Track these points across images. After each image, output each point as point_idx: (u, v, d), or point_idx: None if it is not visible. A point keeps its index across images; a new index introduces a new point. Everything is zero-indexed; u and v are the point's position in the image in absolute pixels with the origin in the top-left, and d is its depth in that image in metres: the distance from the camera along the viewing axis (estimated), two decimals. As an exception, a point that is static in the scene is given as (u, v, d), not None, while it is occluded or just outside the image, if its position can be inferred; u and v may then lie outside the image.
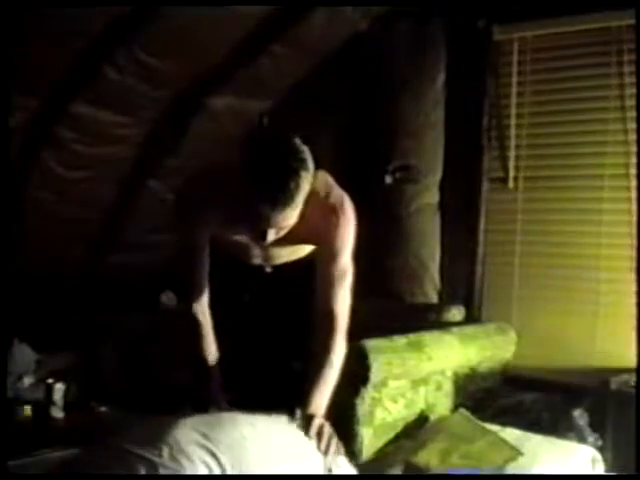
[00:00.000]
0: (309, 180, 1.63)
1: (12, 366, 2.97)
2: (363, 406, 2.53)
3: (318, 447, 1.67)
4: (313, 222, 1.78)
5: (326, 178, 1.88)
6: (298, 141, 1.65)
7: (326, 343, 1.82)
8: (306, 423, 1.69)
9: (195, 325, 1.93)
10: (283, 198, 1.58)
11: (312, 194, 1.71)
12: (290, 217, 1.65)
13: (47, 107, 2.93)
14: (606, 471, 2.69)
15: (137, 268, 3.76)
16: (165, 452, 1.48)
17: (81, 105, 2.98)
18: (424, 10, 3.40)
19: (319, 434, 1.68)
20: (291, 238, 1.81)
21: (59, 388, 2.84)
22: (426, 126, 3.45)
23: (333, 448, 1.68)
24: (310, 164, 1.62)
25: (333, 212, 1.83)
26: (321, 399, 1.78)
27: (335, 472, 1.67)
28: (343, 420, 2.46)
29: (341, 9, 3.17)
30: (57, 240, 3.39)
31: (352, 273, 1.87)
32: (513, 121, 3.30)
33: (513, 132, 3.30)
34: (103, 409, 2.95)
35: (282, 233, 1.71)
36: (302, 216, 1.70)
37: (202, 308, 1.94)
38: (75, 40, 2.74)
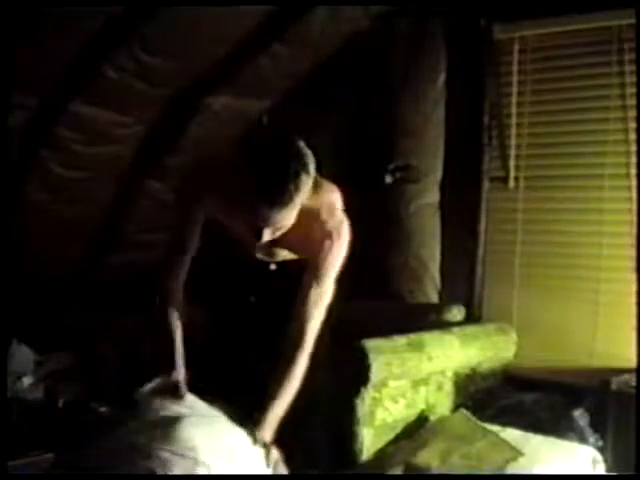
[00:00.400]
0: (309, 183, 1.64)
1: (12, 366, 2.97)
2: (363, 406, 2.52)
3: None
4: (308, 237, 1.84)
5: (332, 199, 1.91)
6: (301, 144, 1.66)
7: (291, 358, 1.85)
8: (265, 453, 1.74)
9: (166, 296, 1.98)
10: (282, 199, 1.59)
11: (314, 211, 1.79)
12: (287, 218, 1.66)
13: (47, 106, 2.93)
14: (606, 471, 2.69)
15: (137, 268, 3.76)
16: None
17: (81, 105, 2.98)
18: (424, 10, 3.40)
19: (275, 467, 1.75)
20: (285, 243, 1.87)
21: (59, 388, 2.84)
22: (426, 126, 3.45)
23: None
24: (311, 167, 1.64)
25: (329, 236, 1.86)
26: (275, 419, 1.81)
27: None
28: (343, 420, 2.46)
29: (341, 9, 3.17)
30: (57, 240, 3.39)
31: (332, 294, 1.92)
32: (513, 121, 3.30)
33: (513, 132, 3.30)
34: (103, 409, 2.94)
35: (278, 234, 1.72)
36: (299, 226, 1.72)
37: (177, 285, 2.00)
38: (75, 39, 2.73)
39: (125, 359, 3.44)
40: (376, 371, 2.50)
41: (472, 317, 3.32)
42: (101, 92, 2.98)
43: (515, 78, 3.27)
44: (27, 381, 3.00)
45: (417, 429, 2.68)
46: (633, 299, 2.93)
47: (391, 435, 2.64)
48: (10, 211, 2.89)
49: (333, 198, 1.92)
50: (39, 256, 3.29)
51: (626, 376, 2.84)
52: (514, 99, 3.28)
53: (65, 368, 3.16)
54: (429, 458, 2.43)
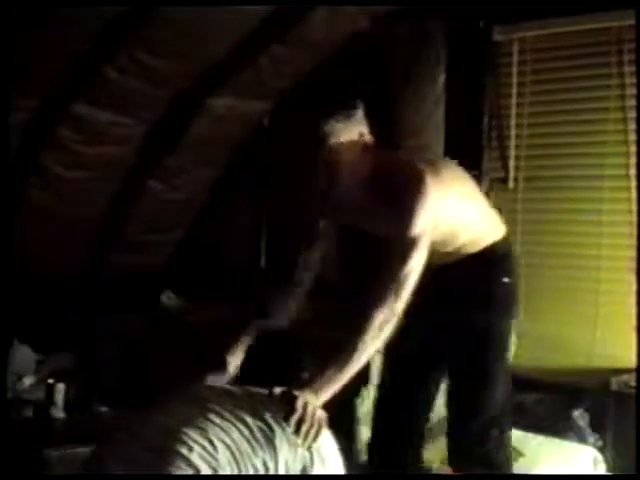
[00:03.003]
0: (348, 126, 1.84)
1: (12, 367, 2.97)
2: (363, 406, 2.53)
3: (295, 432, 1.59)
4: (380, 191, 1.89)
5: (404, 169, 1.90)
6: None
7: (361, 322, 1.75)
8: (287, 401, 1.61)
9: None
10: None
11: (383, 177, 1.87)
12: (332, 135, 1.81)
13: (47, 107, 2.93)
14: (606, 471, 2.69)
15: (137, 268, 3.76)
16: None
17: (81, 105, 2.98)
18: (424, 11, 3.40)
19: (299, 419, 1.59)
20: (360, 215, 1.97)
21: (59, 388, 2.84)
22: (426, 126, 3.45)
23: (312, 435, 1.60)
24: (350, 116, 1.86)
25: (397, 202, 1.85)
26: (323, 381, 1.68)
27: (315, 457, 1.64)
28: (343, 420, 2.46)
29: (341, 9, 3.17)
30: (57, 240, 3.39)
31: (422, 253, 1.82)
32: (513, 121, 3.29)
33: (513, 132, 3.30)
34: (103, 409, 2.94)
35: (334, 178, 1.85)
36: (368, 194, 1.88)
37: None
38: (75, 40, 2.74)
39: (125, 359, 3.45)
40: (376, 371, 2.50)
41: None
42: (102, 93, 2.99)
43: (515, 79, 3.27)
44: (28, 381, 3.01)
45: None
46: (633, 299, 2.93)
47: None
48: (10, 211, 2.89)
49: (406, 170, 1.91)
50: (39, 256, 3.29)
51: (626, 376, 2.84)
52: (514, 100, 3.28)
53: (65, 368, 3.16)
54: (429, 458, 2.43)
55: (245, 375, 2.05)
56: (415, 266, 1.80)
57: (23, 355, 3.09)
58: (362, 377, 2.53)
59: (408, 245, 1.81)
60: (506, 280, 2.12)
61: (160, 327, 3.46)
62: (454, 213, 1.95)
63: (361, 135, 1.89)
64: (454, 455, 2.12)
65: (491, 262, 2.10)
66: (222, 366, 1.96)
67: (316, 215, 2.16)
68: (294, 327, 2.18)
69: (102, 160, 3.28)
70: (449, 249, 2.03)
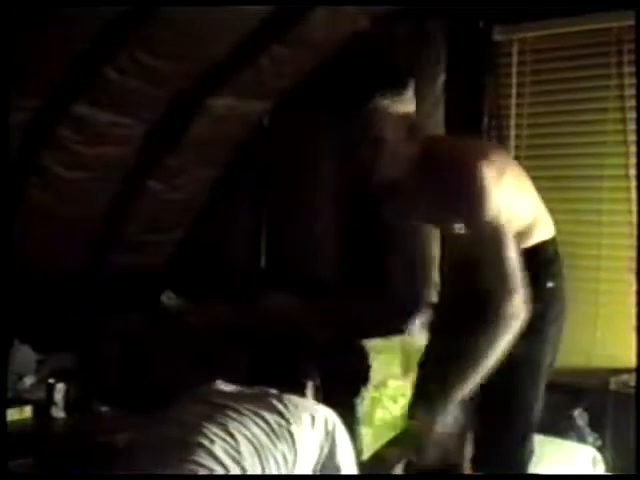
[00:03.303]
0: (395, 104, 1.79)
1: (13, 366, 2.97)
2: (363, 406, 2.53)
3: None
4: (437, 198, 1.83)
5: (458, 155, 1.84)
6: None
7: (474, 338, 1.71)
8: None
9: None
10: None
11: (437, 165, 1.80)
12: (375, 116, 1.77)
13: (47, 107, 2.93)
14: (606, 471, 2.70)
15: (137, 268, 3.77)
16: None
17: (81, 105, 2.99)
18: (424, 11, 3.40)
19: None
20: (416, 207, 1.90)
21: (60, 388, 2.84)
22: (426, 126, 3.45)
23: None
24: (400, 95, 1.81)
25: (457, 192, 1.79)
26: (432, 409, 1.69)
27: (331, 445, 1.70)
28: (343, 420, 2.46)
29: (341, 9, 3.17)
30: (57, 240, 3.39)
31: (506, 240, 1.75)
32: (513, 121, 3.30)
33: (513, 132, 3.30)
34: (104, 409, 2.95)
35: (379, 156, 1.78)
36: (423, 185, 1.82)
37: None
38: (75, 40, 2.74)
39: (125, 359, 3.45)
40: (376, 371, 2.51)
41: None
42: (102, 93, 2.99)
43: (514, 80, 3.27)
44: (28, 381, 3.01)
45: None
46: (632, 299, 2.93)
47: (391, 435, 2.64)
48: (10, 211, 2.89)
49: (460, 155, 1.85)
50: (39, 256, 3.29)
51: (625, 376, 2.84)
52: (513, 100, 3.28)
53: (66, 368, 3.16)
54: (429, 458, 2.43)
55: (246, 376, 2.07)
56: (510, 249, 1.73)
57: (24, 355, 3.09)
58: (362, 377, 2.53)
59: (492, 231, 1.74)
60: (551, 285, 1.96)
61: (160, 327, 3.46)
62: (507, 200, 1.81)
63: (409, 116, 1.83)
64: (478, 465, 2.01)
65: (537, 263, 1.91)
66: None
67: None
68: (294, 328, 2.18)
69: (102, 160, 3.28)
70: None
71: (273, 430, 1.62)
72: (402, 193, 1.92)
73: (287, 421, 1.64)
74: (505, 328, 1.69)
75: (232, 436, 1.59)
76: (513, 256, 1.73)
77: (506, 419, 1.95)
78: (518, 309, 1.71)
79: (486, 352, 1.68)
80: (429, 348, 2.18)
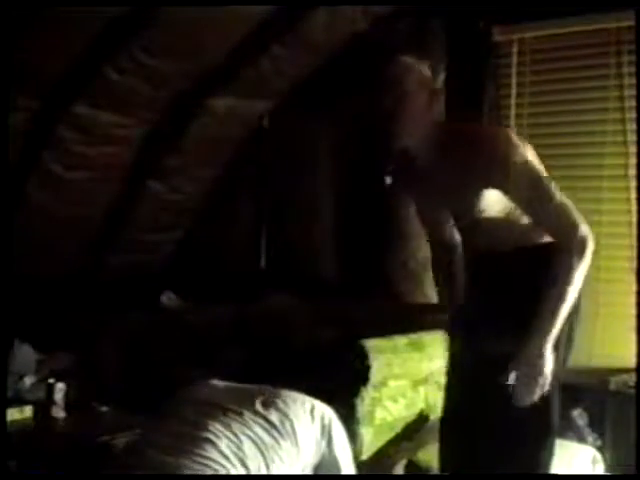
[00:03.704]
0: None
1: (13, 366, 2.97)
2: (363, 406, 2.53)
3: None
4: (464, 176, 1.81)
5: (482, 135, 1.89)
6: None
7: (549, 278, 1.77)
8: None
9: None
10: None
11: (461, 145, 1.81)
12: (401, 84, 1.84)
13: (48, 107, 2.94)
14: (605, 471, 2.70)
15: (137, 268, 3.77)
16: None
17: (81, 106, 2.99)
18: (424, 10, 3.40)
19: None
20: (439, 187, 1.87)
21: (60, 388, 2.84)
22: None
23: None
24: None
25: (487, 161, 1.80)
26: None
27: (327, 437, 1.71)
28: (343, 420, 2.47)
29: (341, 9, 3.17)
30: (57, 240, 3.39)
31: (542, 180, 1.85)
32: (512, 121, 3.30)
33: (512, 132, 3.31)
34: (104, 409, 2.94)
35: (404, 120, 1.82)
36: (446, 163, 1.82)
37: None
38: (76, 41, 2.74)
39: (125, 359, 3.45)
40: (376, 371, 2.51)
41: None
42: (102, 93, 2.99)
43: (514, 80, 3.28)
44: (29, 381, 3.00)
45: (417, 429, 2.68)
46: (632, 299, 2.93)
47: (391, 435, 2.64)
48: (11, 211, 2.89)
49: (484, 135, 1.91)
50: (40, 256, 3.29)
51: (625, 376, 2.85)
52: (513, 100, 3.28)
53: (66, 368, 3.16)
54: (429, 458, 2.44)
55: (245, 375, 2.07)
56: (554, 187, 1.83)
57: (24, 355, 3.09)
58: (362, 377, 2.53)
59: (532, 179, 1.83)
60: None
61: (160, 327, 3.46)
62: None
63: (432, 82, 1.92)
64: None
65: (551, 260, 1.86)
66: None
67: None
68: (293, 327, 2.19)
69: (102, 160, 3.28)
70: (511, 229, 1.89)
71: (276, 427, 1.63)
72: (418, 164, 1.91)
73: (288, 417, 1.65)
74: (581, 256, 1.77)
75: (236, 435, 1.60)
76: (559, 192, 1.82)
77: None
78: (588, 237, 1.77)
79: (569, 281, 1.78)
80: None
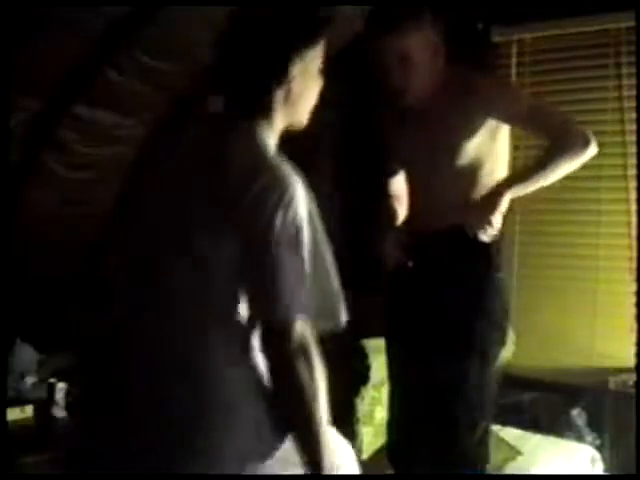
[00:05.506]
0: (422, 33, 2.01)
1: (14, 366, 2.97)
2: (363, 406, 2.54)
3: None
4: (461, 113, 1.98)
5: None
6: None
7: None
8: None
9: None
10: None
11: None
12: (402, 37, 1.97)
13: (48, 108, 2.94)
14: (604, 471, 2.71)
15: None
16: None
17: (82, 106, 2.99)
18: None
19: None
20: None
21: (61, 388, 2.85)
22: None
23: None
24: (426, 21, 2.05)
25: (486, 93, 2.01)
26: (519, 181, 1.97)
27: None
28: (343, 420, 2.48)
29: (341, 9, 3.17)
30: (58, 240, 3.39)
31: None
32: (512, 121, 3.30)
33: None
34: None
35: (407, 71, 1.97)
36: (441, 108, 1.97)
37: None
38: (76, 41, 2.74)
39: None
40: (376, 371, 2.51)
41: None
42: (102, 94, 2.99)
43: (514, 80, 3.29)
44: (29, 380, 3.01)
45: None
46: (632, 299, 2.94)
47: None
48: (11, 211, 2.89)
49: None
50: (40, 256, 3.29)
51: (624, 376, 2.86)
52: (513, 101, 3.29)
53: (67, 368, 3.17)
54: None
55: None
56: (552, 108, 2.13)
57: (25, 354, 3.09)
58: (362, 377, 2.54)
59: (529, 103, 2.04)
60: (500, 276, 2.07)
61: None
62: (501, 145, 2.09)
63: (436, 41, 2.02)
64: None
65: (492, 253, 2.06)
66: None
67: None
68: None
69: (103, 161, 3.28)
70: (449, 204, 2.00)
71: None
72: (417, 108, 2.03)
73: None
74: (583, 149, 2.01)
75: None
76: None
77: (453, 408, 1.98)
78: (586, 132, 1.99)
79: (558, 162, 2.01)
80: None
